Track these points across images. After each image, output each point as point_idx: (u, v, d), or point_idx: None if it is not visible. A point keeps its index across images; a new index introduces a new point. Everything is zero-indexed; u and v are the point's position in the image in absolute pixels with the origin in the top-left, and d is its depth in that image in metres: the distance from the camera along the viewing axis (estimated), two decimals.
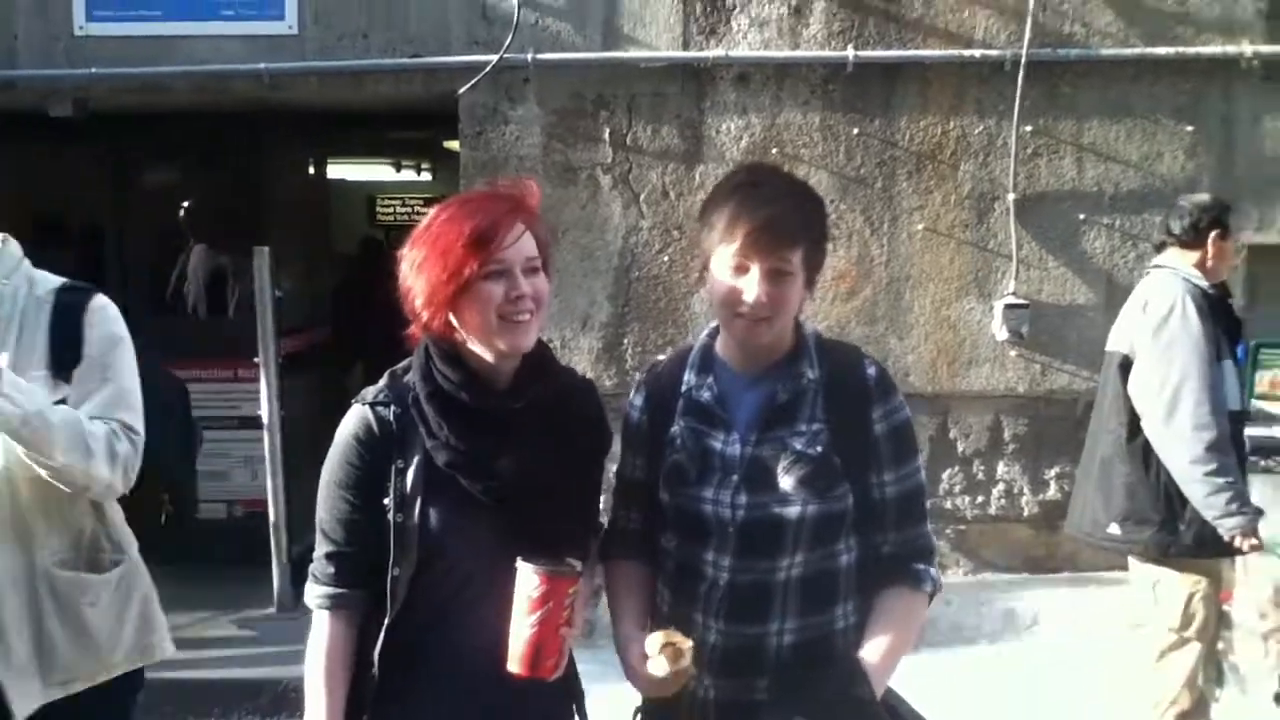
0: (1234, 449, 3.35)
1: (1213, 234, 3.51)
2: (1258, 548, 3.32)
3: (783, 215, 1.80)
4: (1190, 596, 3.43)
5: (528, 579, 1.71)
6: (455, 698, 1.83)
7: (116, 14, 5.05)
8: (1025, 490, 5.23)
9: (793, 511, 1.84)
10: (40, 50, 5.08)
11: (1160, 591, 3.49)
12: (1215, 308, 3.45)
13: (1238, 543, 3.29)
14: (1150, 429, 3.40)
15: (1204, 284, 3.47)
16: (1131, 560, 3.57)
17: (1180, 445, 3.32)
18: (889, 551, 1.93)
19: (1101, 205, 5.10)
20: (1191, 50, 5.00)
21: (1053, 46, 5.00)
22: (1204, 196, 3.69)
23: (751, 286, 1.81)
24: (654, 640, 1.77)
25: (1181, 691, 3.47)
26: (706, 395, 1.93)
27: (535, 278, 1.81)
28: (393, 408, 1.83)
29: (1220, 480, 3.26)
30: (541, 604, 1.70)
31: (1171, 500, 3.37)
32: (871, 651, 1.85)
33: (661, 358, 2.12)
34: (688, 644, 1.77)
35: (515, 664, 1.72)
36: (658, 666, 1.76)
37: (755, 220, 1.79)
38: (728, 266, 1.83)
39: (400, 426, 1.82)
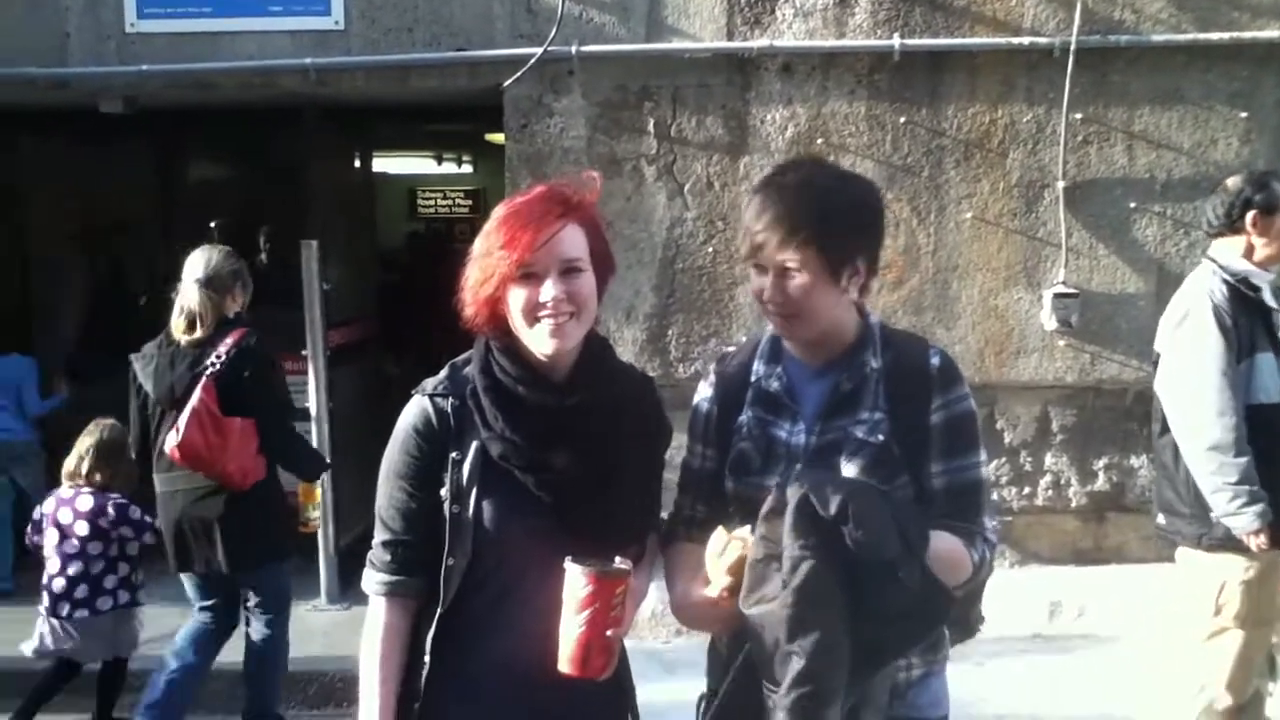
0: (1257, 445, 3.27)
1: (1249, 216, 3.36)
2: (1264, 547, 3.26)
3: (783, 216, 1.80)
4: (1223, 584, 3.39)
5: (576, 579, 1.71)
6: (507, 690, 1.84)
7: (167, 10, 5.10)
8: (1073, 481, 5.17)
9: None
10: (92, 48, 5.14)
11: (1195, 577, 3.46)
12: (1246, 301, 3.36)
13: (1246, 541, 3.26)
14: (1171, 426, 3.42)
15: (1233, 277, 3.35)
16: (1178, 548, 3.55)
17: (1187, 444, 3.34)
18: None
19: (1153, 193, 5.02)
20: (1247, 35, 4.91)
21: (1102, 33, 4.93)
22: (1237, 179, 3.50)
23: (766, 285, 1.85)
24: (719, 533, 1.77)
25: (1227, 678, 3.41)
26: (775, 385, 1.94)
27: (574, 279, 1.79)
28: (451, 400, 1.85)
29: (1220, 480, 3.25)
30: (589, 604, 1.70)
31: (1199, 493, 3.36)
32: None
33: (731, 349, 2.13)
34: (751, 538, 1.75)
35: (565, 664, 1.73)
36: (716, 547, 1.74)
37: (757, 224, 1.82)
38: (750, 267, 1.89)
39: (458, 418, 1.83)
